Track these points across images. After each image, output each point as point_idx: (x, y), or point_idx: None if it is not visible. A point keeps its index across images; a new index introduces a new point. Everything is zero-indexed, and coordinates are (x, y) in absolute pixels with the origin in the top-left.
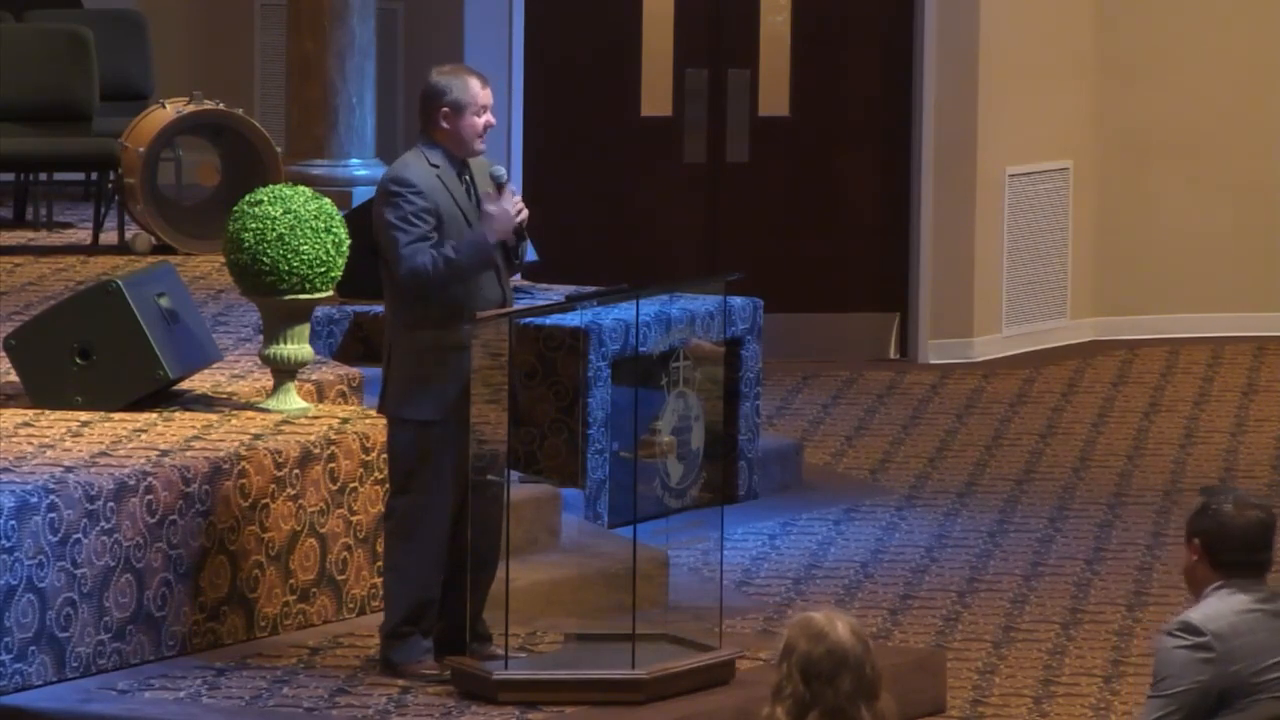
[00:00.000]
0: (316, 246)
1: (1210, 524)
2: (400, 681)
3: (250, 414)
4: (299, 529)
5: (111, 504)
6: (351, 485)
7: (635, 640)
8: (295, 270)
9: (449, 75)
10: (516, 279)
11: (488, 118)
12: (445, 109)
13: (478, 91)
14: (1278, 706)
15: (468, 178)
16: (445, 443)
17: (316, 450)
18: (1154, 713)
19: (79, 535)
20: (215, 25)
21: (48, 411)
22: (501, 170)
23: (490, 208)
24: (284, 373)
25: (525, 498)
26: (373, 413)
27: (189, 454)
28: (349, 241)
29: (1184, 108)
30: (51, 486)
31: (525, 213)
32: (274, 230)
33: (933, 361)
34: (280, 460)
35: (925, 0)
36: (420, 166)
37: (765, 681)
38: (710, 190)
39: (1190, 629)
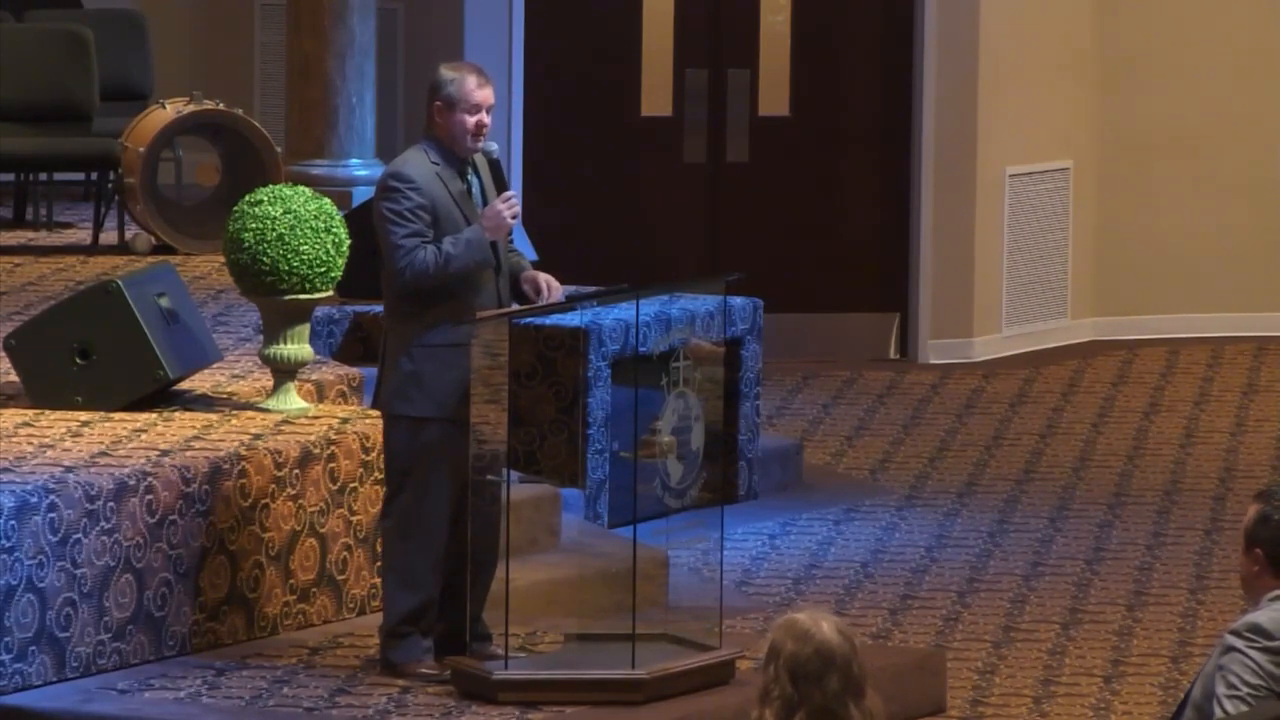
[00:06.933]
0: (316, 246)
1: (1274, 533)
2: (400, 681)
3: (250, 414)
4: (299, 529)
5: (111, 504)
6: (351, 485)
7: (635, 640)
8: (295, 270)
9: (450, 70)
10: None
11: (480, 117)
12: (439, 103)
13: (472, 90)
14: (1278, 706)
15: (470, 177)
16: (442, 441)
17: (316, 450)
18: (1234, 714)
19: (79, 535)
20: (215, 25)
21: (48, 411)
22: (494, 146)
23: (486, 210)
24: (284, 373)
25: (525, 498)
26: (373, 413)
27: (189, 454)
28: (349, 241)
29: (1184, 108)
30: (51, 486)
31: (518, 212)
32: (274, 230)
33: (933, 361)
34: (280, 460)
35: (925, 0)
36: (420, 163)
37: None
38: (710, 190)
39: (1262, 632)
